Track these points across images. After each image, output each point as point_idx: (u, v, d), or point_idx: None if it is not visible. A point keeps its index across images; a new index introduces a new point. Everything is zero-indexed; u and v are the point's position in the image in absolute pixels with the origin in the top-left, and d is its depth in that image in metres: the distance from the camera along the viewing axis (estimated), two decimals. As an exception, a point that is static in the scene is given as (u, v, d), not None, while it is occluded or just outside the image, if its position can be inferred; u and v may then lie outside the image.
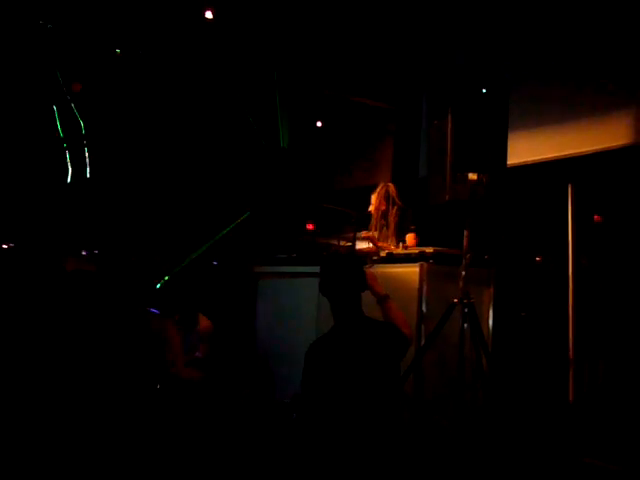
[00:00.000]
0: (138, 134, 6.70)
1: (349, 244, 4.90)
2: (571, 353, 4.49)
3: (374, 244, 4.73)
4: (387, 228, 5.07)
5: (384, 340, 2.99)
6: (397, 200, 5.11)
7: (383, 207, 5.11)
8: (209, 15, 5.60)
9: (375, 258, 4.49)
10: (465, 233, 3.73)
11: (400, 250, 4.50)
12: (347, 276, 3.05)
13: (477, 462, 3.46)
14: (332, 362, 2.92)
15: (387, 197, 5.12)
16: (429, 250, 4.15)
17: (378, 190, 5.19)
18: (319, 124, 7.39)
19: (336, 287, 3.02)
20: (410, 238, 4.70)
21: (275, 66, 6.67)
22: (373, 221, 5.15)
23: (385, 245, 4.77)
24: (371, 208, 5.17)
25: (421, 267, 4.05)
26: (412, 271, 4.08)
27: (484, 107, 3.67)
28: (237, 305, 5.68)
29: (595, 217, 4.72)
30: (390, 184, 5.26)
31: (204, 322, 5.81)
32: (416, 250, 4.24)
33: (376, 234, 5.00)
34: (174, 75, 6.50)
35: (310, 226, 5.64)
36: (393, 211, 5.06)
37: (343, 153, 7.64)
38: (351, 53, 6.00)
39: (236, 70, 6.60)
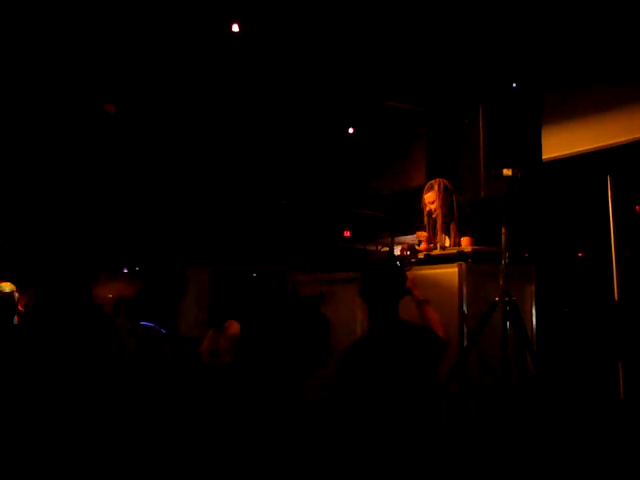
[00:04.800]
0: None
1: (387, 249, 4.87)
2: (619, 349, 4.38)
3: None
4: (451, 225, 4.53)
5: (420, 344, 3.00)
6: (455, 193, 4.52)
7: (446, 202, 4.52)
8: (236, 28, 5.65)
9: (413, 260, 4.44)
10: (503, 230, 3.67)
11: (438, 251, 4.44)
12: (389, 281, 3.08)
13: (528, 465, 3.38)
14: (369, 368, 2.91)
15: (447, 191, 4.52)
16: (467, 249, 4.09)
17: (435, 187, 4.57)
18: (351, 130, 7.41)
19: (377, 292, 3.05)
20: (465, 241, 4.33)
21: (306, 74, 6.71)
22: (439, 222, 4.58)
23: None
24: (433, 206, 4.58)
25: (460, 267, 4.00)
26: (451, 271, 4.03)
27: (516, 102, 3.62)
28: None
29: (637, 208, 4.61)
30: (442, 179, 4.63)
31: (234, 327, 5.85)
32: (454, 250, 4.19)
33: (446, 238, 4.48)
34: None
35: (347, 233, 5.63)
36: (455, 205, 4.51)
37: (376, 158, 7.64)
38: (379, 57, 5.99)
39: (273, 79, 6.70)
